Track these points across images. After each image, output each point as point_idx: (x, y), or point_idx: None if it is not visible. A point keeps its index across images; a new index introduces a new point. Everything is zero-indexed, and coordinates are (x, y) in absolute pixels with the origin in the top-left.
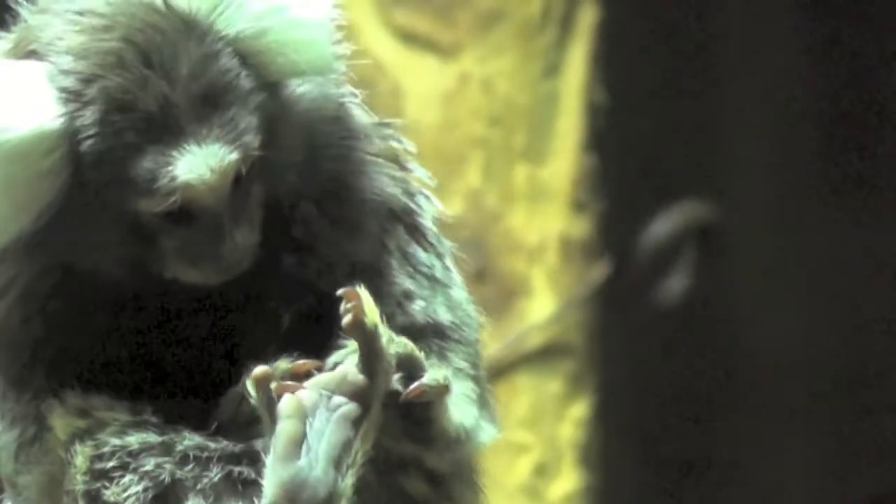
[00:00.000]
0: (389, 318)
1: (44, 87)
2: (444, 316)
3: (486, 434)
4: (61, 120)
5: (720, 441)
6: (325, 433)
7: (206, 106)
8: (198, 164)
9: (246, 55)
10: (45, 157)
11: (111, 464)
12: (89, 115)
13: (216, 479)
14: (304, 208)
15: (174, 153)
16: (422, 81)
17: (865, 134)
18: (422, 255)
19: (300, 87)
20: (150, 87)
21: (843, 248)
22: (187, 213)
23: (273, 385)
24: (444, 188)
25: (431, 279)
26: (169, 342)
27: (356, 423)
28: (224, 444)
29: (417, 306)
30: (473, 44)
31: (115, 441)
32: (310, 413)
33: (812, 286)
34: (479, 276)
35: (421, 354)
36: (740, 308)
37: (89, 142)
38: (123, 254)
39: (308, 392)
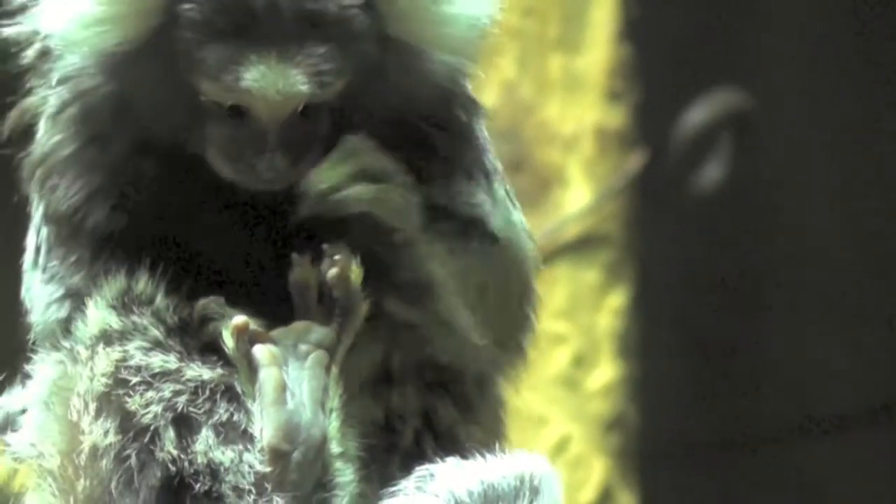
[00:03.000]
0: (451, 197)
1: None
2: (500, 225)
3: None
4: None
5: (757, 329)
6: (304, 379)
7: (309, 27)
8: (268, 79)
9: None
10: None
11: (136, 379)
12: None
13: (224, 417)
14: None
15: (253, 56)
16: None
17: None
18: (484, 180)
19: (418, 56)
20: None
21: (878, 136)
22: (240, 113)
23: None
24: (478, 79)
25: (497, 200)
26: (212, 232)
27: (327, 368)
28: (221, 375)
29: (476, 203)
30: None
31: (141, 357)
32: (283, 363)
33: (847, 173)
34: (514, 167)
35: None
36: (776, 196)
37: (185, 5)
38: (175, 119)
39: (272, 345)
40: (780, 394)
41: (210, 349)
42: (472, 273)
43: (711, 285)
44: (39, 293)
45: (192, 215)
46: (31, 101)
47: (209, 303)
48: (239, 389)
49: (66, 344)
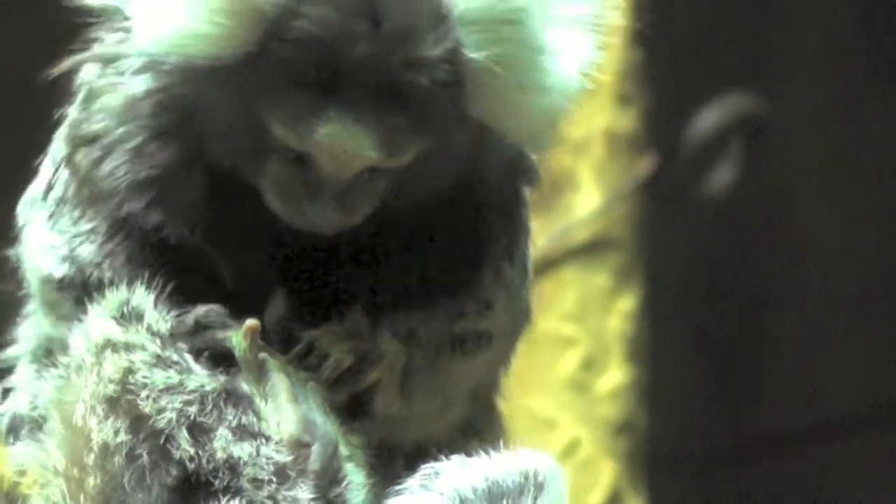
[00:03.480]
0: (461, 317)
1: None
2: (503, 323)
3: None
4: (276, 5)
5: (768, 333)
6: (308, 393)
7: (393, 95)
8: (340, 138)
9: (465, 78)
10: (252, 10)
11: (144, 392)
12: (297, 26)
13: (234, 423)
14: (424, 215)
15: (332, 112)
16: None
17: None
18: (509, 272)
19: (495, 138)
20: (362, 45)
21: (890, 139)
22: (304, 160)
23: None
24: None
25: (511, 292)
26: (237, 254)
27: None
28: (222, 382)
29: (488, 316)
30: None
31: (145, 373)
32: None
33: (859, 176)
34: None
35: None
36: (787, 200)
37: (280, 44)
38: (238, 145)
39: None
40: (792, 398)
41: (206, 356)
42: (458, 374)
43: (721, 289)
44: (38, 232)
45: (223, 234)
46: (101, 83)
47: (210, 311)
48: (246, 390)
49: (65, 360)
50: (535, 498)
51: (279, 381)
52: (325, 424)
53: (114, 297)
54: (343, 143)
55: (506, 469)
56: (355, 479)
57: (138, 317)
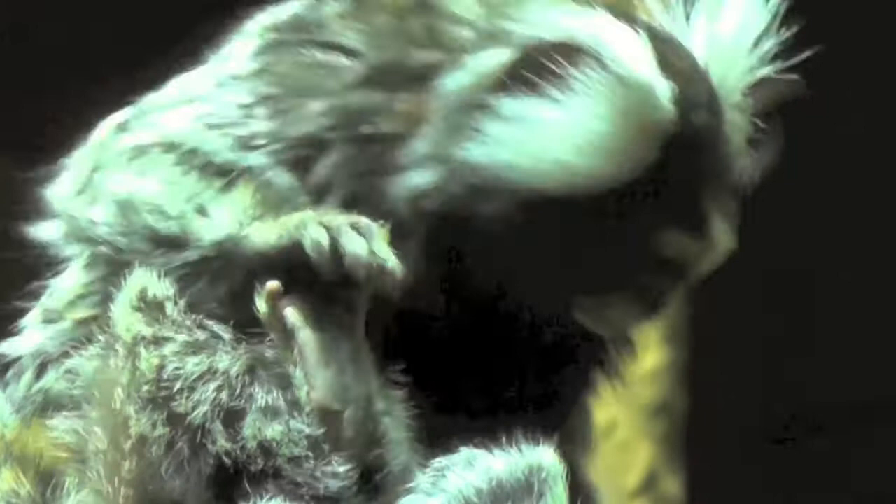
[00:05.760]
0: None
1: (652, 59)
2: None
3: None
4: (670, 90)
5: (806, 315)
6: (341, 340)
7: (732, 191)
8: (727, 235)
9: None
10: (652, 111)
11: (177, 385)
12: (689, 135)
13: (262, 403)
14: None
15: (718, 213)
16: None
17: None
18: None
19: None
20: (721, 144)
21: None
22: (671, 265)
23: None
24: None
25: None
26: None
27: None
28: (244, 361)
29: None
30: None
31: (177, 364)
32: (316, 324)
33: None
34: None
35: None
36: (826, 181)
37: (680, 155)
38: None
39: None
40: (829, 380)
41: (231, 332)
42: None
43: (760, 271)
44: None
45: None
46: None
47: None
48: (270, 358)
49: (102, 338)
50: (540, 497)
51: (306, 343)
52: (358, 385)
53: (132, 286)
54: (729, 239)
55: (510, 469)
56: (395, 436)
57: (159, 307)
